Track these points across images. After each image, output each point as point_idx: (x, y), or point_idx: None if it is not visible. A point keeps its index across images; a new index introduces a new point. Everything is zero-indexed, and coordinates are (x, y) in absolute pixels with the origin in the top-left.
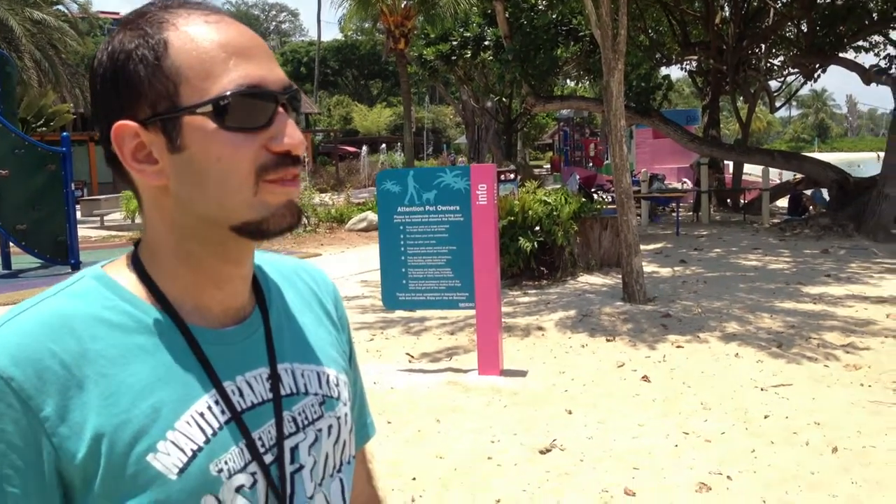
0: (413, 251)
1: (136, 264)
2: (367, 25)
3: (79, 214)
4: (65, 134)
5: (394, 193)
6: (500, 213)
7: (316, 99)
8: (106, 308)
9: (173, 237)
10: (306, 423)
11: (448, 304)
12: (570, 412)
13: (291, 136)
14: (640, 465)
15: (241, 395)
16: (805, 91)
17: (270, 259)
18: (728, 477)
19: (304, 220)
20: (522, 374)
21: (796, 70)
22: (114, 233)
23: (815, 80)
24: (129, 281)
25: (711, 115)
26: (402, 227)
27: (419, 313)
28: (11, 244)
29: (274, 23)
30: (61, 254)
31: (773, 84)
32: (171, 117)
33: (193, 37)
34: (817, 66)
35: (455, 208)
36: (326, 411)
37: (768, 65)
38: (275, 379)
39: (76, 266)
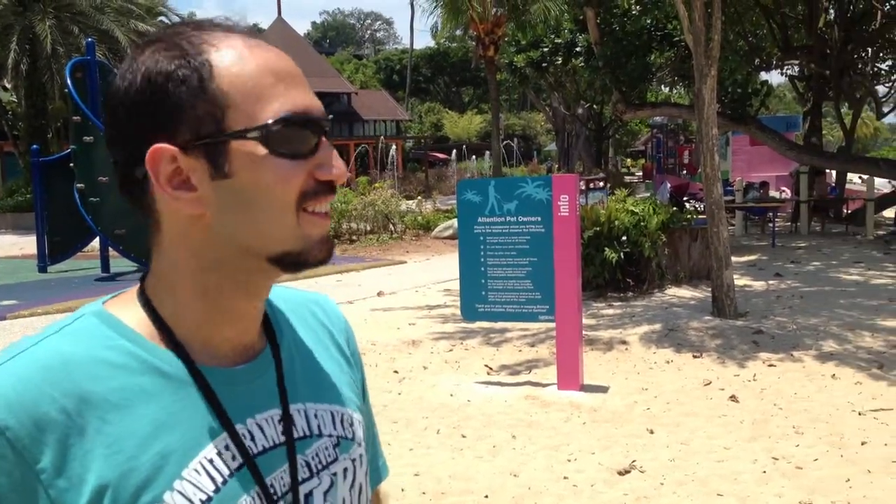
0: (493, 262)
1: (143, 300)
2: (458, 33)
3: None
4: None
5: (474, 203)
6: (585, 223)
7: (407, 106)
8: (107, 348)
9: (193, 269)
10: (320, 467)
11: (528, 316)
12: (651, 431)
13: (338, 166)
14: (724, 491)
15: (253, 438)
16: None
17: (279, 292)
18: None
19: (391, 227)
20: (603, 389)
21: None
22: None
23: None
24: (134, 318)
25: (813, 122)
26: (482, 238)
27: (500, 324)
28: (110, 248)
29: (369, 31)
30: None
31: (881, 89)
32: (218, 142)
33: (238, 59)
34: None
35: (536, 219)
36: (341, 454)
37: (875, 69)
38: (287, 421)
39: None
